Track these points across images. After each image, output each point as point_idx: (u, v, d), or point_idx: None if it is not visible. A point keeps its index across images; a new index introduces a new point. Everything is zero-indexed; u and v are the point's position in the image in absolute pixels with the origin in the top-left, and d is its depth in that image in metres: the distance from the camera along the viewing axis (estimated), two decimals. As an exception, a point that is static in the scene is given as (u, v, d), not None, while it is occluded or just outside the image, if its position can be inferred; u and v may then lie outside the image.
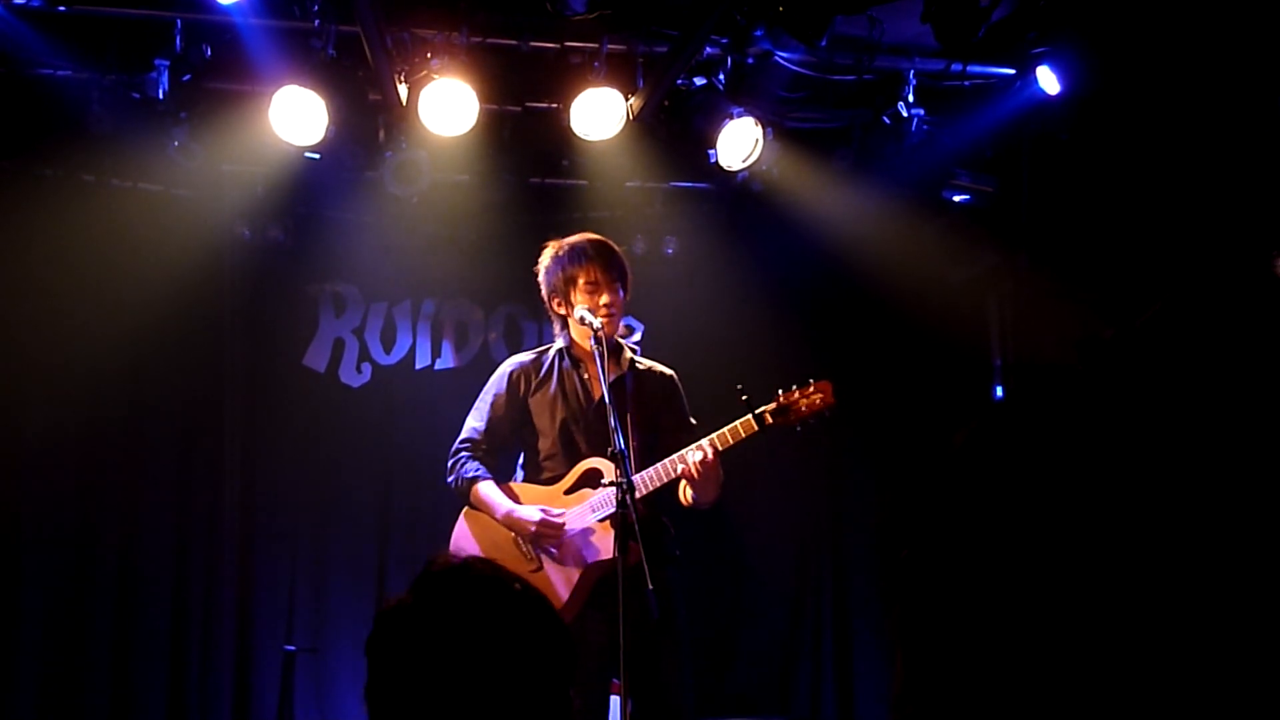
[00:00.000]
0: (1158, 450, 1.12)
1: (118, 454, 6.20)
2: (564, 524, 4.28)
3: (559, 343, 4.51)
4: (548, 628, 1.86)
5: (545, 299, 4.48)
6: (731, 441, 4.17)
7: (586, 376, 4.44)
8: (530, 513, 4.30)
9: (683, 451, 4.20)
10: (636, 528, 3.84)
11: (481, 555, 4.29)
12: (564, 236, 4.33)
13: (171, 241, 6.11)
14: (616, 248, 4.49)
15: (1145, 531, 1.10)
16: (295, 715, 5.95)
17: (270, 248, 6.30)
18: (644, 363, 4.55)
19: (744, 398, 4.16)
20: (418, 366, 6.71)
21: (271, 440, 6.42)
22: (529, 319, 6.81)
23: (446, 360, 6.74)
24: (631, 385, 4.42)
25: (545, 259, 4.48)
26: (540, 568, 4.31)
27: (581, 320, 4.29)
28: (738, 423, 4.17)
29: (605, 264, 4.38)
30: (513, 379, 4.50)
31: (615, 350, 4.48)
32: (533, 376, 4.49)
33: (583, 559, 4.27)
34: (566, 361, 4.47)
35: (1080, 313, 5.03)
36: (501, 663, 1.80)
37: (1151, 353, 1.18)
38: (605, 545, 4.21)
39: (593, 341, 4.24)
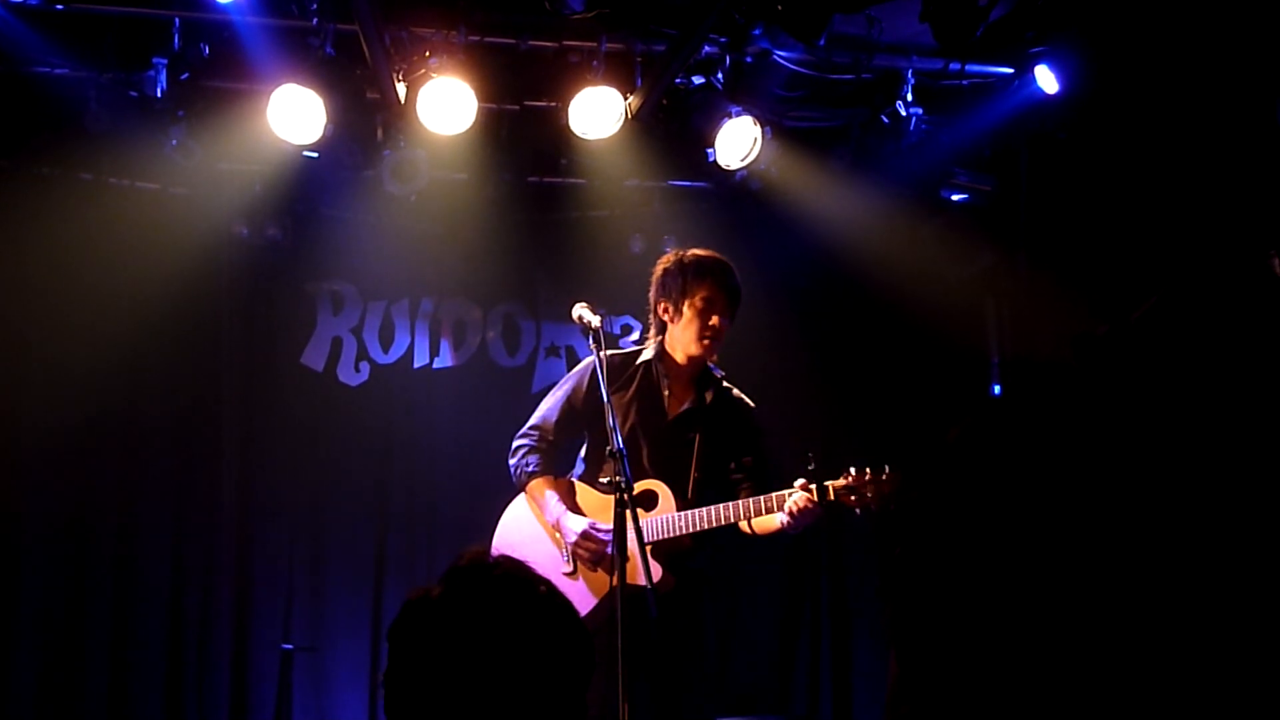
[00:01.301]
0: (1151, 446, 1.12)
1: (115, 452, 6.20)
2: (607, 542, 4.25)
3: (648, 352, 4.49)
4: (569, 633, 1.87)
5: (652, 301, 4.46)
6: (795, 510, 4.10)
7: (667, 393, 4.43)
8: (577, 524, 4.31)
9: (768, 495, 4.16)
10: (638, 530, 3.84)
11: (523, 544, 4.36)
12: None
13: (169, 240, 6.10)
14: (738, 275, 4.45)
15: (1139, 527, 1.10)
16: (293, 713, 5.96)
17: (268, 246, 6.29)
18: (735, 392, 4.51)
19: (810, 467, 4.08)
20: (416, 365, 6.70)
21: (269, 438, 6.42)
22: (527, 318, 6.81)
23: (444, 359, 6.73)
24: (709, 416, 4.42)
25: (668, 262, 4.46)
26: (575, 573, 4.33)
27: (580, 319, 4.26)
28: (800, 493, 4.11)
29: (728, 287, 4.37)
30: (593, 376, 4.46)
31: (701, 375, 4.47)
32: (615, 378, 4.42)
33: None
34: (653, 373, 4.46)
35: (1079, 311, 5.03)
36: (520, 663, 1.82)
37: (1145, 348, 1.18)
38: (639, 569, 4.21)
39: (590, 340, 4.22)
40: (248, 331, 6.45)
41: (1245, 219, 4.20)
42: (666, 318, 4.43)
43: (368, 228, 6.48)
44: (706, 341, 4.35)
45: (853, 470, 4.15)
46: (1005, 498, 1.14)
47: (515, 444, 4.51)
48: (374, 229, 6.47)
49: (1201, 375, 1.16)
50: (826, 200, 6.03)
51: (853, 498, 4.12)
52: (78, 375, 5.99)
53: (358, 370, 6.63)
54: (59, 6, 5.06)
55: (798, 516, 4.10)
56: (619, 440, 3.94)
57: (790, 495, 4.12)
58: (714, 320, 4.33)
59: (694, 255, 4.44)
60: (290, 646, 5.96)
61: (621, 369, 4.47)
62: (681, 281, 4.38)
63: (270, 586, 6.35)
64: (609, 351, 4.50)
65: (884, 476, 4.13)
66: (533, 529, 4.45)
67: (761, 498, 4.18)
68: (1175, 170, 4.67)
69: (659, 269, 4.47)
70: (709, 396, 4.44)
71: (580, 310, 4.27)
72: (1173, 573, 1.09)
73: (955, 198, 5.96)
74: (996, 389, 6.56)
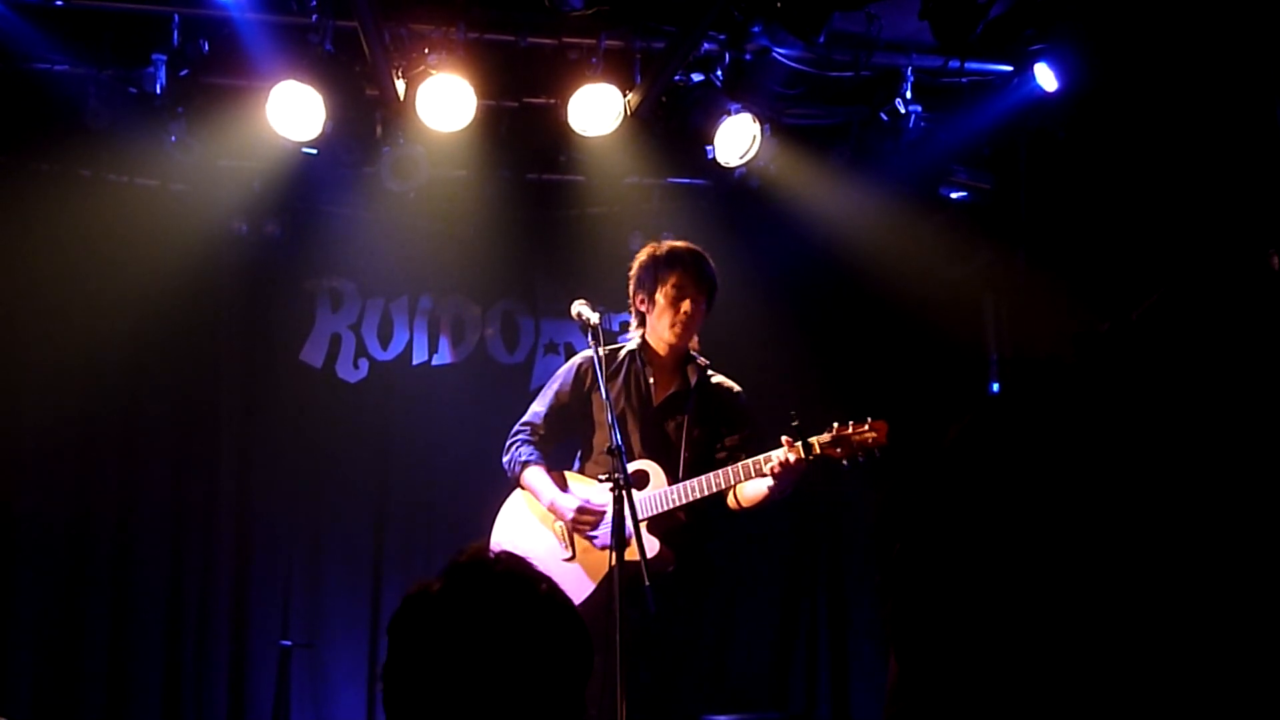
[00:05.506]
0: (1151, 444, 1.12)
1: (114, 448, 6.20)
2: (603, 513, 4.32)
3: (632, 342, 4.57)
4: (568, 631, 1.87)
5: (630, 294, 4.55)
6: (779, 468, 4.16)
7: (652, 381, 4.51)
8: (570, 501, 4.38)
9: (755, 459, 4.21)
10: (636, 525, 3.86)
11: (520, 536, 4.43)
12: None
13: (168, 237, 6.10)
14: (712, 262, 4.52)
15: (1139, 526, 1.10)
16: (291, 709, 5.96)
17: (267, 243, 6.29)
18: (716, 378, 4.59)
19: (794, 424, 4.14)
20: (414, 362, 6.70)
21: (268, 435, 6.42)
22: (526, 315, 6.80)
23: (443, 356, 6.73)
24: (694, 399, 4.48)
25: (642, 255, 4.55)
26: (573, 558, 4.39)
27: (579, 315, 4.30)
28: (785, 449, 4.16)
29: (698, 274, 4.45)
30: (580, 371, 4.58)
31: (684, 361, 4.54)
32: (604, 370, 4.49)
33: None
34: (637, 361, 4.54)
35: (1078, 309, 5.03)
36: (519, 662, 1.81)
37: (1146, 346, 1.18)
38: (635, 547, 4.25)
39: (589, 337, 4.26)
40: (247, 328, 6.45)
41: (1245, 216, 4.20)
42: (644, 309, 4.52)
43: (367, 224, 6.48)
44: (679, 328, 4.43)
45: (835, 424, 4.21)
46: (1004, 496, 1.14)
47: (508, 441, 4.59)
48: (373, 226, 6.47)
49: (1202, 374, 1.16)
50: (825, 198, 6.04)
51: (838, 450, 4.18)
52: (76, 372, 5.99)
53: (356, 367, 6.63)
54: (59, 3, 5.05)
55: (783, 473, 4.15)
56: (617, 437, 3.97)
57: (775, 454, 4.16)
58: (685, 306, 4.41)
59: (667, 246, 4.54)
60: (289, 643, 5.96)
61: (609, 361, 4.55)
62: (654, 272, 4.47)
63: (269, 583, 6.35)
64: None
65: (865, 427, 4.18)
66: (529, 520, 4.52)
67: (749, 461, 4.24)
68: (1175, 168, 4.67)
69: (635, 262, 4.56)
70: (693, 380, 4.51)
71: (579, 307, 4.32)
72: (1173, 572, 1.10)
73: (954, 195, 5.97)
74: (995, 387, 6.56)
